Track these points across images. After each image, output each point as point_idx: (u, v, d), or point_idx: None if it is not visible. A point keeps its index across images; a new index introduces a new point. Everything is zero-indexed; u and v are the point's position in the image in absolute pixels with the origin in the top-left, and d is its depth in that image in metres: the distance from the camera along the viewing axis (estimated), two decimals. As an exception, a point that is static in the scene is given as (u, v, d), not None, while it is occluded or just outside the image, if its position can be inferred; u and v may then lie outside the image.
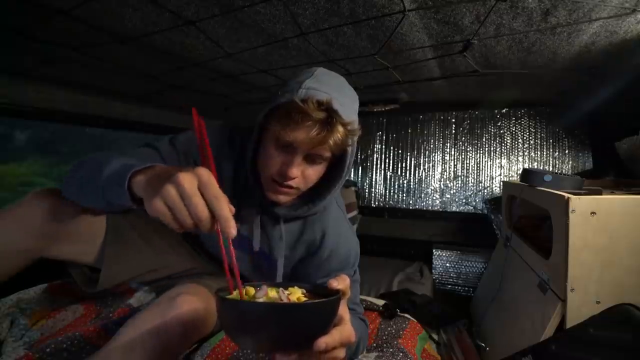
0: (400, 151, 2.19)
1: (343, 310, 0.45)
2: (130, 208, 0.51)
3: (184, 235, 0.90)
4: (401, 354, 0.88)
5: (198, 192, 0.38)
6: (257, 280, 0.67)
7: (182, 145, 0.71)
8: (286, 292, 0.45)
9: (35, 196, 0.67)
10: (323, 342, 0.38)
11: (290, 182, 0.60)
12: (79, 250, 0.73)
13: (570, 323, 0.79)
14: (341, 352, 0.44)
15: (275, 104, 0.57)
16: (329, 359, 0.42)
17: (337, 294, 0.42)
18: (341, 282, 0.45)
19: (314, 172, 0.62)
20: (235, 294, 0.44)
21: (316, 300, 0.41)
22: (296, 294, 0.44)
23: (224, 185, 0.41)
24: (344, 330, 0.43)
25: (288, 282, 0.62)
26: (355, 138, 0.60)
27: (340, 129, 0.56)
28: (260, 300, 0.42)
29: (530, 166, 1.87)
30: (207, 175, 0.39)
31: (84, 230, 0.73)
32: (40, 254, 0.68)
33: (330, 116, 0.55)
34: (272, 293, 0.44)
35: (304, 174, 0.61)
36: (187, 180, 0.38)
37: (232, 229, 0.39)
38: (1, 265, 0.65)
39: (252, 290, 0.45)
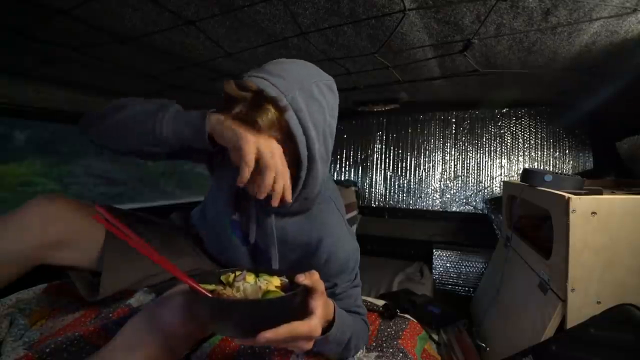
0: (400, 151, 2.19)
1: (315, 304, 0.47)
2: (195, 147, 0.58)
3: (185, 236, 0.89)
4: (401, 354, 0.87)
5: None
6: None
7: None
8: (264, 280, 0.48)
9: (37, 202, 0.66)
10: (263, 337, 0.41)
11: None
12: (80, 256, 0.72)
13: (570, 323, 0.79)
14: (305, 344, 0.46)
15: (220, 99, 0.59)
16: (290, 347, 0.46)
17: (298, 290, 0.45)
18: (308, 278, 0.46)
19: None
20: (214, 286, 0.48)
21: (254, 299, 0.45)
22: (274, 283, 0.48)
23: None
24: (301, 325, 0.44)
25: (276, 269, 0.63)
26: (299, 115, 0.56)
27: (269, 106, 0.54)
28: (237, 284, 0.47)
29: (531, 166, 1.87)
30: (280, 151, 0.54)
31: (86, 236, 0.71)
32: (42, 261, 0.67)
33: (256, 95, 0.54)
34: (250, 278, 0.48)
35: None
36: (277, 148, 0.54)
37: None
38: (3, 272, 0.64)
39: (238, 274, 0.50)
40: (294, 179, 0.62)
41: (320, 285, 0.48)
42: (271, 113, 0.54)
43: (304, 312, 0.47)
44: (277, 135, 0.57)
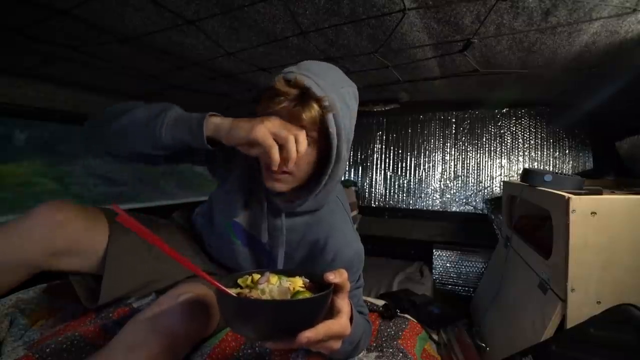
0: (400, 151, 2.19)
1: (342, 303, 0.47)
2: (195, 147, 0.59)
3: (187, 236, 0.89)
4: (401, 354, 0.87)
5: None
6: None
7: None
8: (287, 280, 0.47)
9: (44, 209, 0.65)
10: (305, 336, 0.40)
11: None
12: (83, 262, 0.72)
13: (570, 323, 0.79)
14: (335, 343, 0.46)
15: (260, 93, 0.60)
16: (320, 347, 0.45)
17: (329, 289, 0.43)
18: (338, 276, 0.45)
19: (304, 154, 0.61)
20: (238, 289, 0.46)
21: (296, 299, 0.43)
22: (297, 283, 0.46)
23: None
24: (334, 324, 0.44)
25: (295, 269, 0.62)
26: (335, 117, 0.59)
27: (314, 104, 0.56)
28: (261, 286, 0.45)
29: (531, 166, 1.87)
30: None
31: (90, 243, 0.71)
32: (46, 268, 0.67)
33: (303, 93, 0.56)
34: (274, 280, 0.47)
35: None
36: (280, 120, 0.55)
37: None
38: (5, 279, 0.64)
39: (257, 277, 0.48)
40: (316, 177, 0.65)
41: (347, 285, 0.48)
42: (315, 110, 0.57)
43: (331, 311, 0.47)
44: (314, 134, 0.60)
